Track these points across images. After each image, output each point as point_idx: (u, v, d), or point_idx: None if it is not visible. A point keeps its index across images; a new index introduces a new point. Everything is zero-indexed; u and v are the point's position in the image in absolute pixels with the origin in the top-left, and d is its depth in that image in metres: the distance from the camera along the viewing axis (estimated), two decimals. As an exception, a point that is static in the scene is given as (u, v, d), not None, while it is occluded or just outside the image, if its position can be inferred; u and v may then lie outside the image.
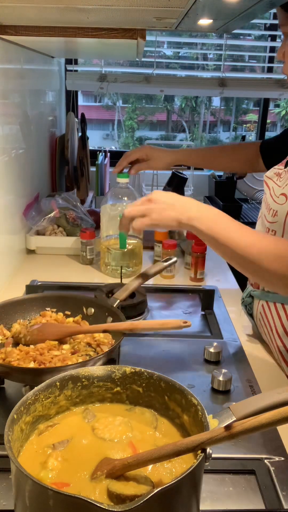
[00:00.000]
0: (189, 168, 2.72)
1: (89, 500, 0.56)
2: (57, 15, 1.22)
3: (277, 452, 0.89)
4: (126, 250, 1.62)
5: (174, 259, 1.41)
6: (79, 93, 2.96)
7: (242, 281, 1.58)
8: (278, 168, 1.24)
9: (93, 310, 1.23)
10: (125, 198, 1.64)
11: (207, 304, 1.47)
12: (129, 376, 0.83)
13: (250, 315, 1.34)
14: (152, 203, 1.01)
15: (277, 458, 0.88)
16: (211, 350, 1.18)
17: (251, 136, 3.73)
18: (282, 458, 0.88)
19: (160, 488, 0.58)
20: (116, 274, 1.64)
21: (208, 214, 0.99)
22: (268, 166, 1.41)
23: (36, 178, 2.07)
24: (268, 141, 1.54)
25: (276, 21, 2.85)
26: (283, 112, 4.03)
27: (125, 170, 1.63)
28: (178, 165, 1.67)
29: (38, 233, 1.90)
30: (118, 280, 1.59)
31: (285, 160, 1.22)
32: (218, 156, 1.62)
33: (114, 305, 1.21)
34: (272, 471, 0.85)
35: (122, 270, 1.61)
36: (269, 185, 1.24)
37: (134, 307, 1.37)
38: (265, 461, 0.87)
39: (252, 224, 1.17)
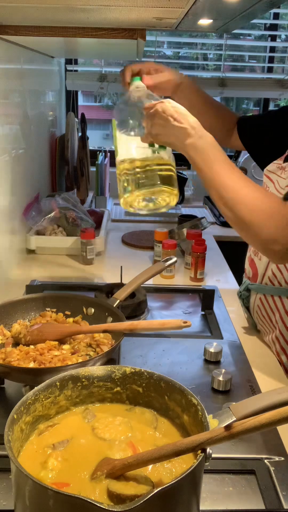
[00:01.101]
0: (189, 167, 2.72)
1: (89, 500, 0.55)
2: (57, 15, 1.22)
3: (277, 452, 0.89)
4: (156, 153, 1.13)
5: (174, 259, 1.41)
6: (79, 93, 2.96)
7: (241, 280, 1.58)
8: (278, 162, 1.24)
9: (93, 310, 1.23)
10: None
11: (207, 304, 1.47)
12: (129, 376, 0.83)
13: (247, 308, 1.35)
14: (156, 118, 1.05)
15: (277, 458, 0.88)
16: (211, 350, 1.18)
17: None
18: (282, 458, 0.88)
19: (160, 488, 0.58)
20: (143, 206, 1.15)
21: (204, 146, 1.02)
22: (243, 140, 1.39)
23: (36, 178, 2.07)
24: (245, 118, 1.45)
25: (276, 21, 2.85)
26: (283, 112, 4.03)
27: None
28: (179, 88, 1.33)
29: (38, 233, 1.90)
30: (119, 279, 1.59)
31: (284, 155, 1.23)
32: (210, 104, 1.41)
33: (114, 305, 1.21)
34: (272, 471, 0.85)
35: (154, 199, 1.13)
36: (272, 178, 1.24)
37: (134, 307, 1.37)
38: (265, 461, 0.87)
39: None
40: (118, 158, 1.16)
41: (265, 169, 1.28)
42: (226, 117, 1.43)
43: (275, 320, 1.23)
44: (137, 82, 1.23)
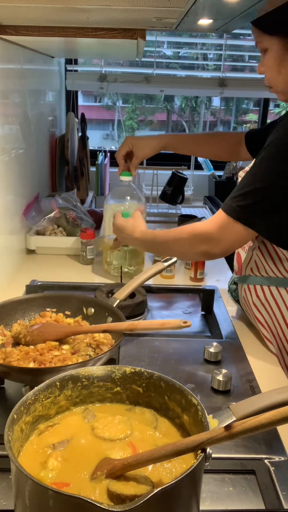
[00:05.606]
0: (189, 168, 2.72)
1: (89, 500, 0.56)
2: (57, 15, 1.22)
3: (277, 452, 0.90)
4: (127, 248, 1.63)
5: (174, 259, 1.41)
6: (79, 93, 2.96)
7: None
8: None
9: (93, 310, 1.23)
10: (128, 197, 1.65)
11: (207, 304, 1.47)
12: (129, 376, 0.83)
13: (237, 301, 1.41)
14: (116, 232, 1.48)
15: (277, 458, 0.88)
16: (211, 350, 1.18)
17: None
18: (282, 458, 0.88)
19: (160, 488, 0.58)
20: (118, 272, 1.62)
21: (139, 237, 1.40)
22: (254, 154, 1.47)
23: (36, 178, 2.07)
24: (253, 131, 1.57)
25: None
26: (283, 112, 4.03)
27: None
28: (165, 150, 1.63)
29: (38, 233, 1.90)
30: (119, 280, 1.59)
31: None
32: (204, 142, 1.63)
33: (114, 305, 1.21)
34: (272, 471, 0.85)
35: (124, 269, 1.62)
36: None
37: (134, 307, 1.37)
38: (265, 461, 0.87)
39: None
40: (104, 233, 1.73)
41: None
42: (228, 139, 1.61)
43: (254, 306, 1.29)
44: (123, 177, 1.61)
